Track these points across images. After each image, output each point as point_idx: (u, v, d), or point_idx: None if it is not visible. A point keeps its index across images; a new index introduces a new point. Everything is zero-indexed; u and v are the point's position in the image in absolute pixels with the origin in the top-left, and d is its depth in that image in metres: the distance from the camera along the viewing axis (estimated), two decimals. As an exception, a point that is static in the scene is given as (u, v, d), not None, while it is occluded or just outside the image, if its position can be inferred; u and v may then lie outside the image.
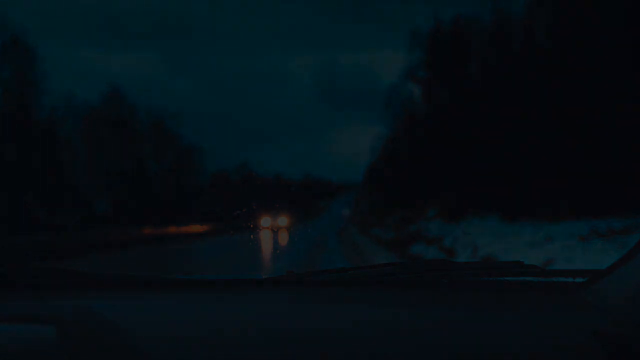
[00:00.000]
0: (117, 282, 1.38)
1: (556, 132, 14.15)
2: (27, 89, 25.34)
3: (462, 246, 13.20)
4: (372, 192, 46.63)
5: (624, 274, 1.07)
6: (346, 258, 14.12)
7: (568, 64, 13.88)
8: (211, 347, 1.12)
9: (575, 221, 11.81)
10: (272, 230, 32.53)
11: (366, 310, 1.17)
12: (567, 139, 13.74)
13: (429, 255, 13.07)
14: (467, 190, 19.43)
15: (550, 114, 14.42)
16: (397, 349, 1.08)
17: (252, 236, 26.29)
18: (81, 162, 29.30)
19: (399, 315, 1.14)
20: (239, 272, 10.67)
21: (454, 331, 1.09)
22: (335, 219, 53.74)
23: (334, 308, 1.18)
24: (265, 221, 40.36)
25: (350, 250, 17.40)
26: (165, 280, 1.39)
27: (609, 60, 12.45)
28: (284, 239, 24.99)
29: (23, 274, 1.40)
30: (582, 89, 13.18)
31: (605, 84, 12.49)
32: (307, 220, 48.14)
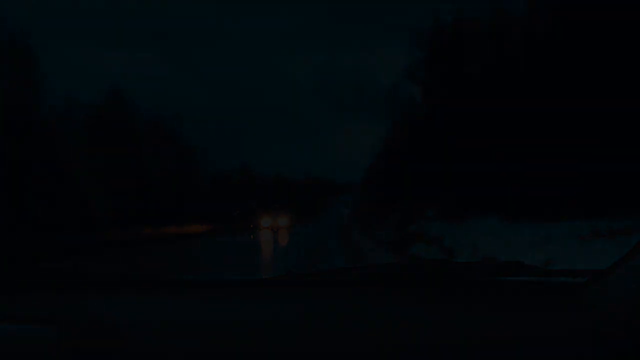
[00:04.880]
0: (118, 282, 1.38)
1: (557, 132, 14.16)
2: (27, 88, 25.34)
3: (462, 246, 13.20)
4: (372, 192, 46.64)
5: (624, 274, 1.07)
6: (346, 258, 14.12)
7: (568, 64, 13.89)
8: (211, 347, 1.12)
9: (575, 221, 11.82)
10: (272, 230, 32.59)
11: (366, 311, 1.17)
12: (567, 139, 13.75)
13: (429, 255, 13.07)
14: (467, 191, 19.43)
15: (550, 113, 14.43)
16: (397, 349, 1.09)
17: (252, 236, 26.31)
18: (81, 162, 29.30)
19: (399, 315, 1.14)
20: (240, 272, 10.68)
21: (453, 331, 1.09)
22: (335, 219, 53.81)
23: (334, 308, 1.18)
24: (265, 221, 40.34)
25: (350, 250, 17.40)
26: (165, 281, 1.39)
27: (609, 60, 12.45)
28: (284, 238, 25.00)
29: (23, 274, 1.41)
30: (583, 89, 13.19)
31: (606, 84, 12.50)
32: (307, 220, 48.21)
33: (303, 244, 20.36)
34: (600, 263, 1.32)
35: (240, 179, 57.27)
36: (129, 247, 19.39)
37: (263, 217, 38.33)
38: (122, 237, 22.94)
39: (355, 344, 1.10)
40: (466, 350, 1.07)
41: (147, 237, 24.40)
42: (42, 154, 24.54)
